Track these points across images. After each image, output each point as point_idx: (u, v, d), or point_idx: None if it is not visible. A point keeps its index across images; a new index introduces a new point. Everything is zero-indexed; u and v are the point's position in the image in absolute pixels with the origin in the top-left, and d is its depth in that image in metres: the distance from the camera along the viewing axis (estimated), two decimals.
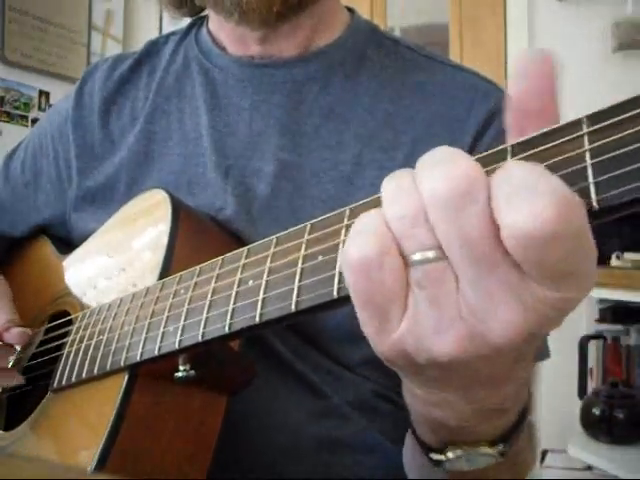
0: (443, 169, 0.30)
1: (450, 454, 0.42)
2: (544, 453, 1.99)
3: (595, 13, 2.28)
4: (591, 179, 0.29)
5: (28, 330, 0.67)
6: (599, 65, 2.25)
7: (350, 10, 0.75)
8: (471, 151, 0.63)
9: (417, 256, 0.30)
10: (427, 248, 0.30)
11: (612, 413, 1.83)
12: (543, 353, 0.62)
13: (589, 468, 1.87)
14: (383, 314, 0.32)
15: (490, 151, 0.32)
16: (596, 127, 0.29)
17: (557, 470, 1.97)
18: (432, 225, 0.30)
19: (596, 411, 1.85)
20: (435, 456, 0.44)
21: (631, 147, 0.28)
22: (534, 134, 0.31)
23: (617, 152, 0.28)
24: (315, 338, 0.63)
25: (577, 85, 2.26)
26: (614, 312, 2.00)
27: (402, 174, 0.33)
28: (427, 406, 0.40)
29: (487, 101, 0.66)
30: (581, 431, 1.89)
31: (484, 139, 0.64)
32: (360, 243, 0.31)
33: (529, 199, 0.27)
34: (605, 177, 0.28)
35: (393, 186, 0.32)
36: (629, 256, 1.86)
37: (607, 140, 0.29)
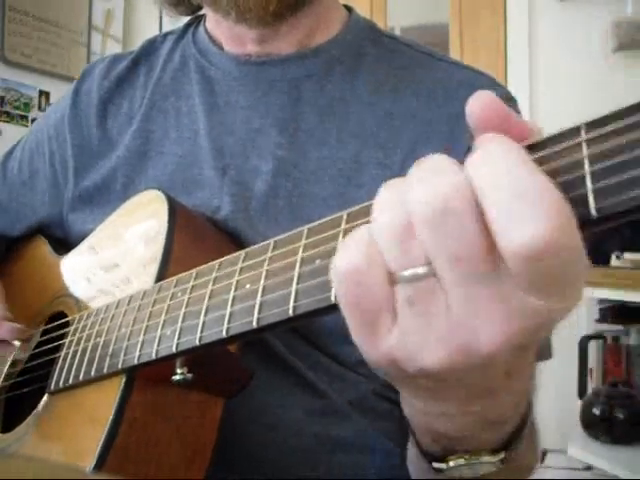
0: (428, 184, 0.29)
1: (451, 463, 0.42)
2: (544, 453, 1.99)
3: (595, 13, 2.28)
4: (590, 187, 0.28)
5: (19, 326, 0.67)
6: (599, 65, 2.25)
7: (348, 8, 0.75)
8: (471, 147, 0.63)
9: (406, 273, 0.30)
10: (416, 264, 0.30)
11: (612, 413, 1.83)
12: (545, 353, 0.62)
13: (589, 468, 1.88)
14: (372, 323, 0.32)
15: None
16: (595, 134, 0.29)
17: (557, 470, 1.97)
18: (420, 241, 0.29)
19: (596, 411, 1.85)
20: (437, 465, 0.43)
21: (629, 155, 0.28)
22: (533, 141, 0.31)
23: (615, 160, 0.28)
24: (314, 337, 0.63)
25: (577, 85, 2.26)
26: (614, 312, 2.00)
27: (394, 184, 0.32)
28: (427, 417, 0.40)
29: None
30: (581, 431, 1.90)
31: None
32: (348, 253, 0.31)
33: (533, 214, 0.26)
34: (603, 185, 0.28)
35: (384, 198, 0.32)
36: (629, 256, 1.86)
37: (606, 147, 0.28)
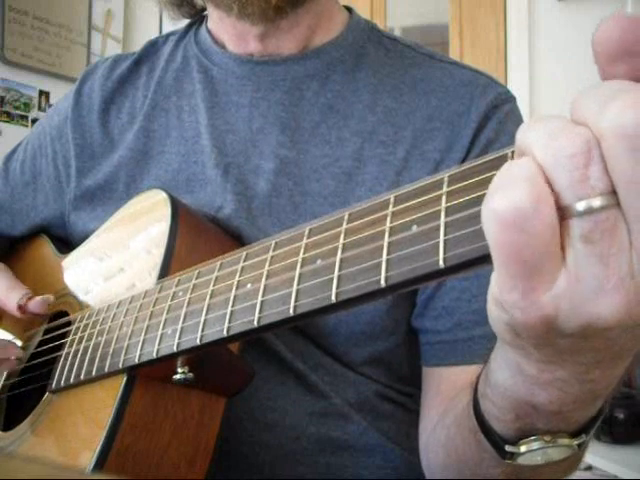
0: (629, 96, 0.25)
1: (524, 447, 0.40)
2: None
3: (595, 13, 2.28)
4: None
5: (50, 297, 0.66)
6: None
7: (348, 9, 0.75)
8: (472, 145, 0.63)
9: (585, 204, 0.26)
10: (598, 193, 0.26)
11: (612, 413, 1.83)
12: None
13: (589, 468, 1.88)
14: (534, 273, 0.27)
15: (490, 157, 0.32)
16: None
17: None
18: (607, 164, 0.26)
19: None
20: (510, 448, 0.41)
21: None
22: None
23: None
24: (316, 337, 0.63)
25: (577, 85, 2.26)
26: None
27: (544, 117, 0.28)
28: (533, 387, 0.36)
29: (486, 95, 0.66)
30: None
31: (484, 132, 0.64)
32: (511, 191, 0.26)
33: None
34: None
35: (547, 127, 0.27)
36: None
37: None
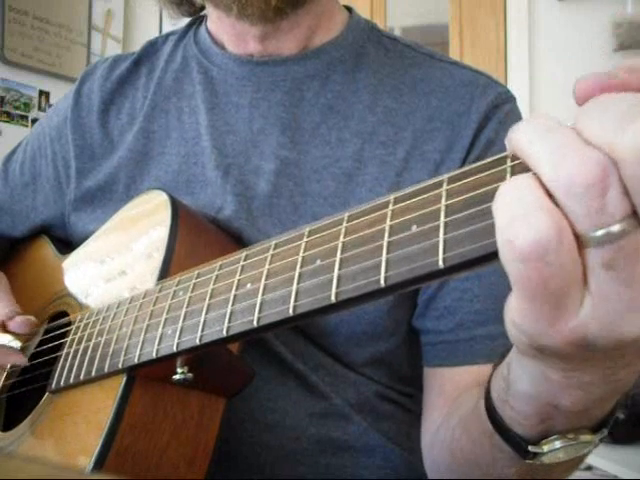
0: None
1: (546, 447, 0.40)
2: None
3: (595, 13, 2.28)
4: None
5: (32, 318, 0.66)
6: (599, 65, 2.24)
7: (348, 9, 0.75)
8: (472, 145, 0.63)
9: (603, 232, 0.25)
10: (617, 220, 0.25)
11: None
12: None
13: (589, 468, 1.87)
14: (560, 302, 0.27)
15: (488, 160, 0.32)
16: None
17: None
18: (627, 187, 0.25)
19: None
20: (533, 448, 0.41)
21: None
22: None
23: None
24: (316, 338, 0.63)
25: None
26: None
27: (545, 124, 0.27)
28: (557, 391, 0.36)
29: (486, 95, 0.66)
30: None
31: (485, 133, 0.64)
32: (529, 227, 0.25)
33: None
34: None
35: (554, 140, 0.26)
36: None
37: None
